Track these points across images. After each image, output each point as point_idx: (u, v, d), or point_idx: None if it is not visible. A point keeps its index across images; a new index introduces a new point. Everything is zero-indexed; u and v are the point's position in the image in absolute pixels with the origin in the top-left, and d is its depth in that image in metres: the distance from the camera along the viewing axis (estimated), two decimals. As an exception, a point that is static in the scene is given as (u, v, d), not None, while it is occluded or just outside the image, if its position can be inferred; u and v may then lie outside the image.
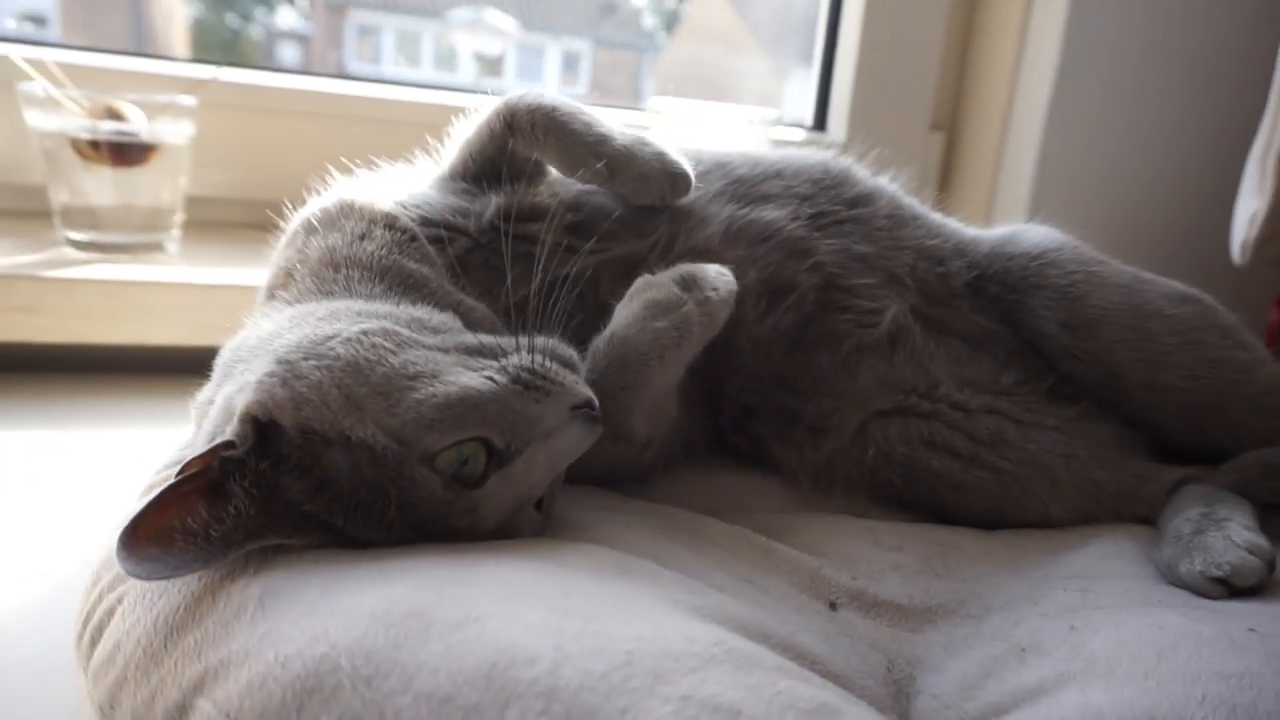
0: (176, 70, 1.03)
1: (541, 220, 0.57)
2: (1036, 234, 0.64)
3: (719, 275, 0.53)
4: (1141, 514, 0.59)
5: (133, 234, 0.90)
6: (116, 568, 0.45)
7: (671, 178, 0.57)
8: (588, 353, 0.52)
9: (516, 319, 0.51)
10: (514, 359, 0.46)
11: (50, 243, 0.90)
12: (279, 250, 0.58)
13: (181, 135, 0.91)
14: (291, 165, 1.04)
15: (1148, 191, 1.19)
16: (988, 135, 1.21)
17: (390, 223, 0.55)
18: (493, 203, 0.58)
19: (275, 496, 0.42)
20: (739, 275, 0.56)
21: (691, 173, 0.57)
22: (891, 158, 1.21)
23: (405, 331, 0.46)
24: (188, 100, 0.90)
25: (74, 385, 0.84)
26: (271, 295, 0.55)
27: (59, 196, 0.88)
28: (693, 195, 0.59)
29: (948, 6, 1.20)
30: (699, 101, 1.04)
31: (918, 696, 0.45)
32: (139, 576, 0.39)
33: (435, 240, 0.56)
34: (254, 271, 0.87)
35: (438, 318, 0.50)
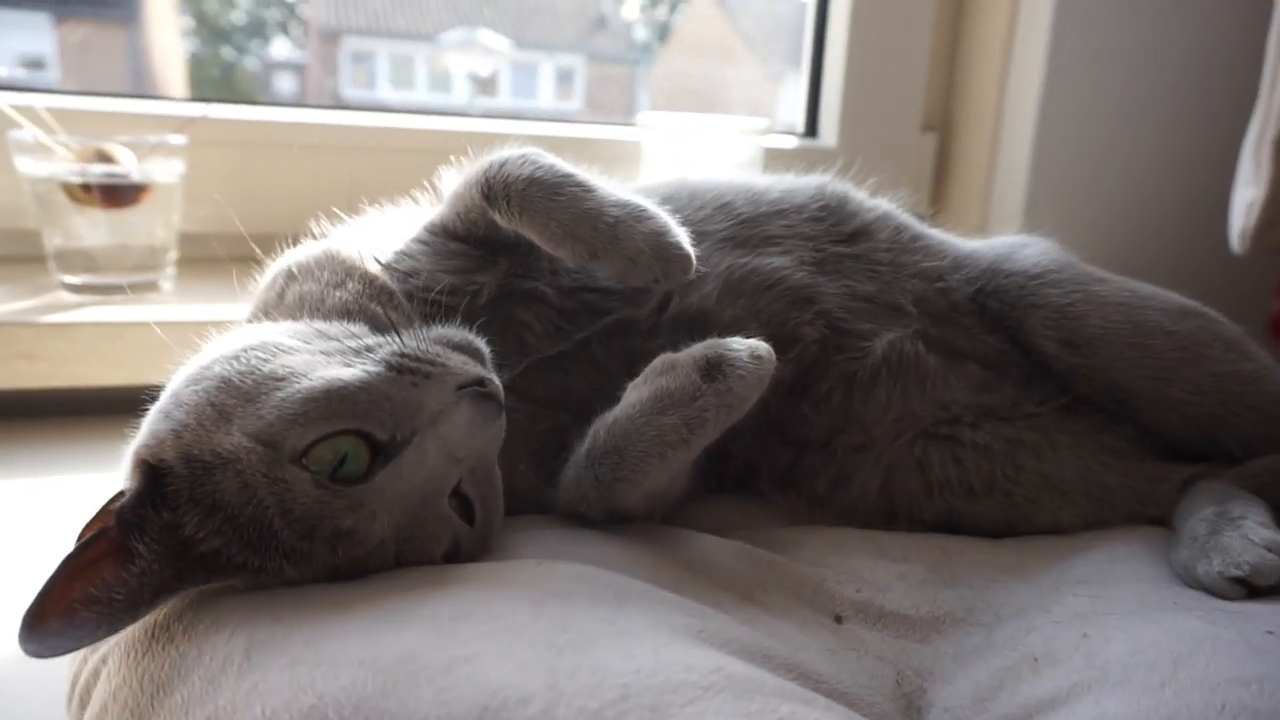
0: (167, 109, 1.03)
1: (534, 303, 0.55)
2: (1034, 251, 0.63)
3: (751, 359, 0.47)
4: (1154, 515, 0.58)
5: (127, 274, 0.90)
6: None
7: (665, 261, 0.49)
8: (589, 433, 0.50)
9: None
10: (389, 346, 0.44)
11: (45, 287, 0.91)
12: (258, 291, 0.58)
13: (172, 174, 0.91)
14: (285, 197, 1.05)
15: (1143, 184, 1.17)
16: (980, 134, 1.20)
17: (369, 279, 0.54)
18: (484, 285, 0.54)
19: (181, 544, 0.40)
20: (739, 333, 0.51)
21: (693, 253, 0.49)
22: (884, 160, 1.20)
23: (290, 341, 0.45)
24: (177, 139, 0.90)
25: (74, 429, 0.84)
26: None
27: (53, 240, 0.88)
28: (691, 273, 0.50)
29: (935, 7, 1.20)
30: (690, 114, 1.03)
31: (929, 710, 0.44)
32: (39, 655, 0.37)
33: (422, 304, 0.53)
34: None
35: (338, 329, 0.48)
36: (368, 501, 0.41)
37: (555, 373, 0.55)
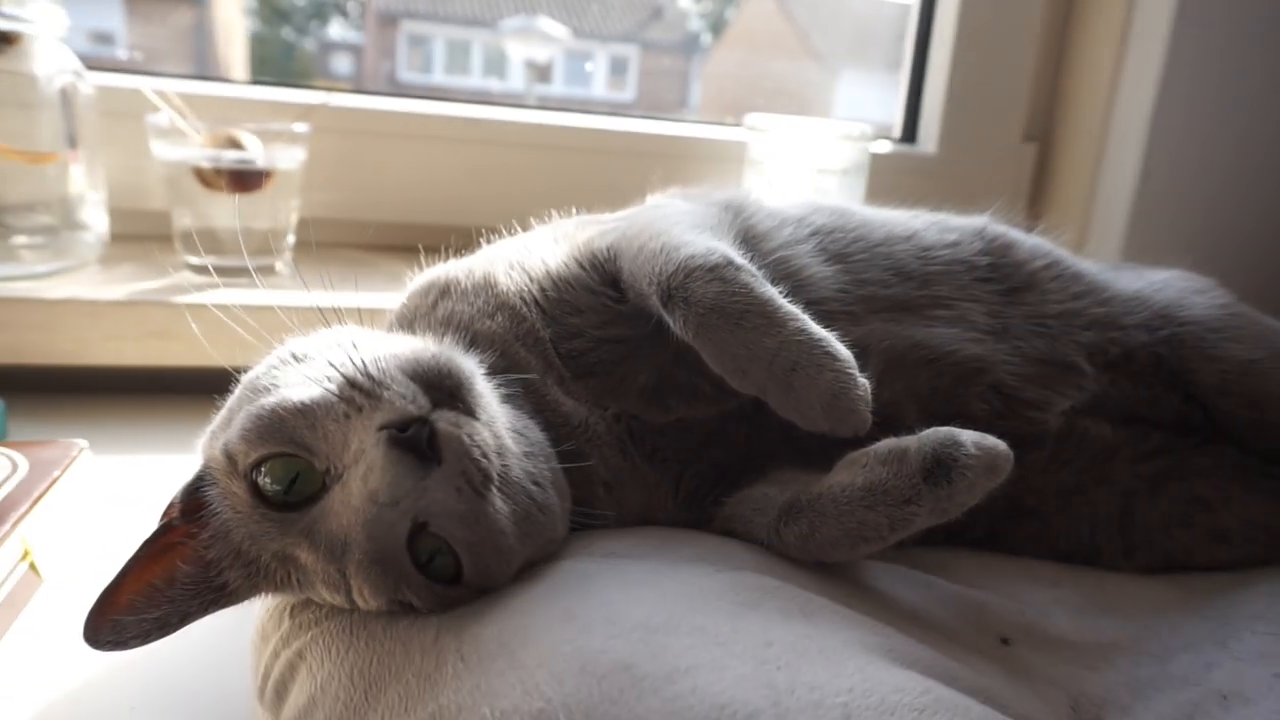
0: (286, 97, 1.05)
1: (690, 395, 0.52)
2: (1207, 299, 0.61)
3: (984, 468, 0.42)
4: None
5: (250, 257, 0.92)
6: (287, 623, 0.46)
7: (837, 421, 0.44)
8: (759, 496, 0.49)
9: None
10: (347, 363, 0.41)
11: (170, 266, 0.93)
12: (410, 293, 0.58)
13: (294, 161, 0.93)
14: (396, 186, 1.07)
15: (1255, 201, 1.15)
16: (1084, 146, 1.18)
17: (519, 318, 0.52)
18: (643, 375, 0.52)
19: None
20: (897, 415, 0.49)
21: (869, 415, 0.44)
22: (982, 169, 1.19)
23: (312, 352, 0.44)
24: (300, 127, 0.92)
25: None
26: (391, 330, 0.55)
27: (181, 221, 0.91)
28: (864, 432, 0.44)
29: (1042, 13, 1.18)
30: (797, 117, 1.03)
31: (1107, 740, 0.45)
32: (103, 647, 0.40)
33: (573, 361, 0.52)
34: (364, 295, 0.89)
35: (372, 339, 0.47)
36: (305, 530, 0.40)
37: (706, 421, 0.53)
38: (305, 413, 0.40)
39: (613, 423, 0.52)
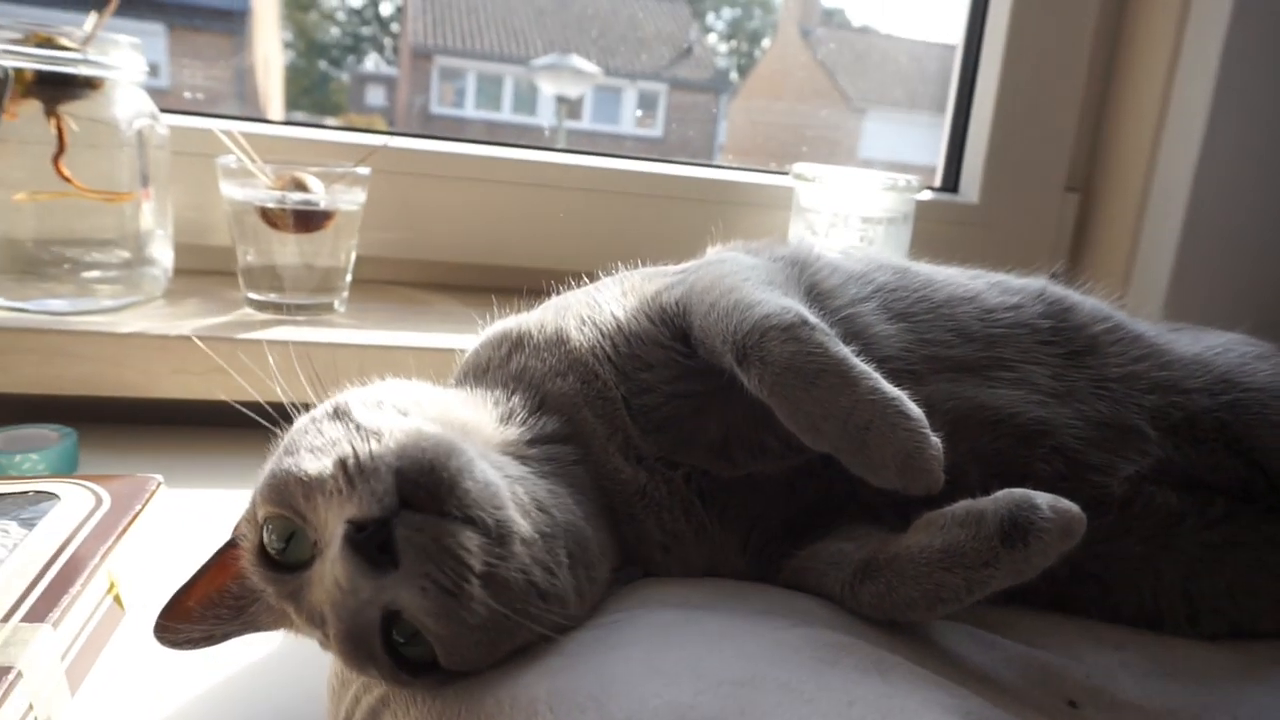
0: (344, 138, 1.08)
1: (760, 452, 0.53)
2: (1270, 365, 0.61)
3: (1059, 532, 0.43)
4: None
5: (309, 295, 0.95)
6: None
7: (909, 479, 0.44)
8: (834, 551, 0.50)
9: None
10: (347, 447, 0.41)
11: (232, 303, 0.96)
12: (483, 343, 0.59)
13: (355, 202, 0.95)
14: (449, 227, 1.09)
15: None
16: (1127, 197, 1.20)
17: (590, 377, 0.53)
18: (713, 428, 0.53)
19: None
20: (962, 476, 0.48)
21: (942, 475, 0.45)
22: (1024, 220, 1.21)
23: (360, 412, 0.45)
24: (363, 170, 0.95)
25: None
26: (462, 380, 0.57)
27: (245, 258, 0.93)
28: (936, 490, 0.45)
29: (1086, 64, 1.20)
30: (837, 168, 1.05)
31: (1178, 807, 0.45)
32: (166, 644, 0.46)
33: (645, 417, 0.53)
34: (417, 334, 0.92)
35: (437, 408, 0.48)
36: (293, 593, 0.43)
37: (774, 477, 0.54)
38: (304, 484, 0.42)
39: (682, 483, 0.53)
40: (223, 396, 0.85)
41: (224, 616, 0.47)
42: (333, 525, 0.40)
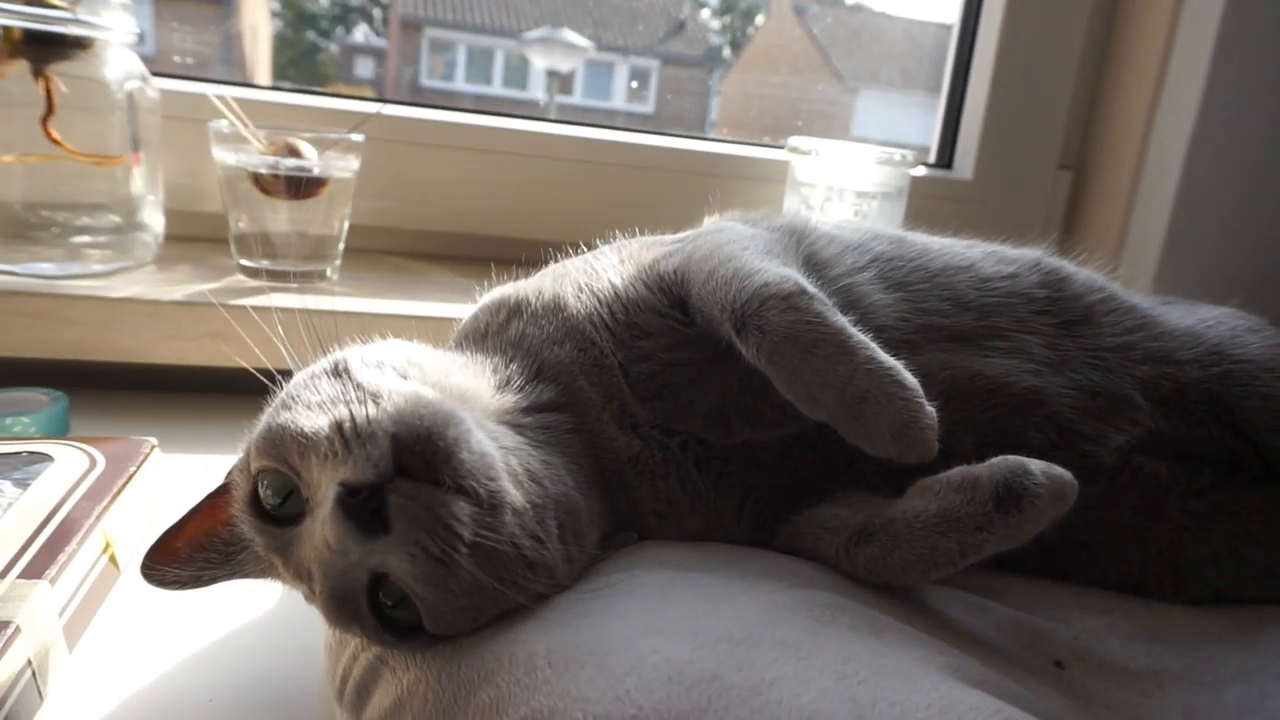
0: (338, 105, 1.07)
1: (755, 418, 0.53)
2: (1261, 338, 0.61)
3: (1052, 496, 0.44)
4: None
5: (302, 262, 0.94)
6: None
7: (904, 447, 0.45)
8: (829, 516, 0.51)
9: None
10: (343, 408, 0.41)
11: (224, 270, 0.95)
12: (481, 308, 0.59)
13: (348, 169, 0.95)
14: (442, 196, 1.09)
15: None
16: (1119, 175, 1.20)
17: (587, 346, 0.53)
18: (710, 398, 0.53)
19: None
20: (956, 445, 0.49)
21: (936, 443, 0.45)
22: (1018, 196, 1.21)
23: (348, 369, 0.46)
24: (357, 137, 0.94)
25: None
26: (461, 344, 0.57)
27: (238, 225, 0.93)
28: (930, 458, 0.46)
29: (1081, 43, 1.20)
30: (838, 141, 1.05)
31: (1161, 765, 0.46)
32: (153, 583, 0.46)
33: (643, 384, 0.53)
34: (410, 303, 0.91)
35: (436, 369, 0.49)
36: (282, 547, 0.43)
37: (771, 445, 0.54)
38: (299, 442, 0.41)
39: (678, 451, 0.53)
40: (215, 362, 0.86)
41: (212, 561, 0.47)
42: (325, 485, 0.40)
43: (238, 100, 0.93)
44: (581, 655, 0.41)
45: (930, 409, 0.46)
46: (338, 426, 0.41)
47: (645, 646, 0.41)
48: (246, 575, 0.48)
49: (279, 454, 0.42)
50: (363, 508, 0.39)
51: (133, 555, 0.59)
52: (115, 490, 0.57)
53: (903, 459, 0.45)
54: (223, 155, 0.90)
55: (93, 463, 0.59)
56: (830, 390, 0.46)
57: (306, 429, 0.42)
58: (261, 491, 0.43)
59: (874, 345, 0.47)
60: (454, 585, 0.41)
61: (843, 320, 0.48)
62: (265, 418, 0.45)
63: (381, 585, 0.41)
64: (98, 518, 0.54)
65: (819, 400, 0.47)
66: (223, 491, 0.48)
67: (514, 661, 0.41)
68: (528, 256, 0.66)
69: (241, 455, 0.46)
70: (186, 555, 0.47)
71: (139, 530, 0.61)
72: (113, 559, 0.56)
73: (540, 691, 0.39)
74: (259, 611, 0.56)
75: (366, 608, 0.41)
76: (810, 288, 0.50)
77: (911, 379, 0.46)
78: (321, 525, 0.40)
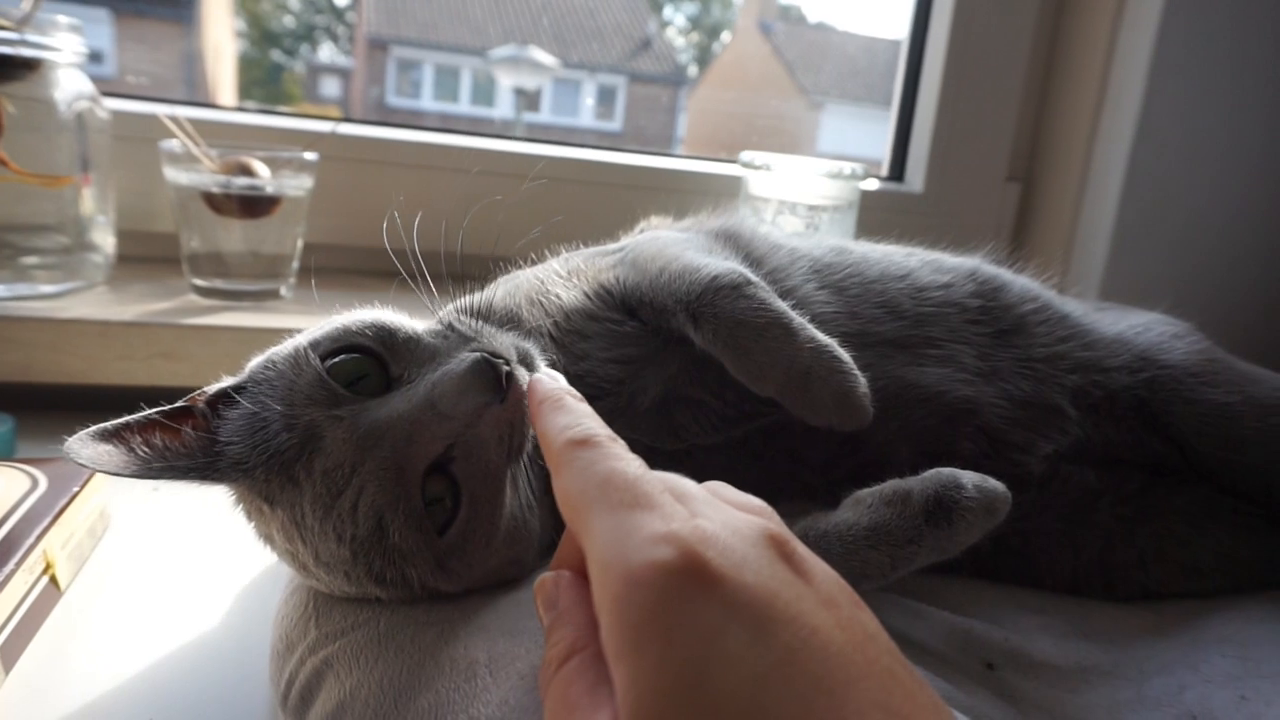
0: (294, 124, 1.08)
1: (696, 408, 0.55)
2: (1187, 344, 0.63)
3: (982, 511, 0.45)
4: None
5: (255, 281, 0.94)
6: (313, 632, 0.47)
7: (844, 414, 0.49)
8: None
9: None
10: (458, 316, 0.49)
11: (176, 290, 0.95)
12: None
13: (302, 188, 0.95)
14: (397, 213, 1.09)
15: (1230, 244, 1.20)
16: (1065, 187, 1.23)
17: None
18: (650, 389, 0.54)
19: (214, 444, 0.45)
20: (891, 455, 0.53)
21: (871, 410, 0.49)
22: (967, 208, 1.24)
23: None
24: (310, 156, 0.95)
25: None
26: None
27: (189, 244, 0.92)
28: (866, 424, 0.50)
29: (1027, 59, 1.23)
30: (790, 156, 1.07)
31: (1087, 760, 0.47)
32: (83, 461, 0.41)
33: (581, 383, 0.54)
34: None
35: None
36: (352, 410, 0.42)
37: (716, 454, 0.55)
38: (403, 330, 0.46)
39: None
40: (165, 382, 0.85)
41: (153, 457, 0.43)
42: (444, 352, 0.44)
43: (195, 121, 0.93)
44: (522, 666, 0.41)
45: (864, 380, 0.50)
46: (456, 320, 0.48)
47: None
48: (194, 479, 0.44)
49: (374, 339, 0.44)
50: (499, 369, 0.42)
51: (74, 576, 0.59)
52: (57, 510, 0.56)
53: (843, 427, 0.49)
54: (174, 175, 0.90)
55: (34, 483, 0.59)
56: (778, 368, 0.50)
57: (415, 327, 0.47)
58: (339, 374, 0.44)
59: (811, 327, 0.51)
60: (501, 490, 0.44)
61: (785, 305, 0.52)
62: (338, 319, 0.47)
63: (429, 477, 0.42)
64: (38, 538, 0.54)
65: (768, 377, 0.50)
66: (181, 410, 0.45)
67: (455, 668, 0.42)
68: (486, 275, 0.67)
69: (249, 380, 0.45)
70: (132, 444, 0.43)
71: (82, 552, 0.60)
72: (54, 579, 0.55)
73: (480, 700, 0.40)
74: (201, 629, 0.56)
75: (419, 488, 0.42)
76: (755, 278, 0.53)
77: (846, 355, 0.50)
78: (432, 386, 0.42)
